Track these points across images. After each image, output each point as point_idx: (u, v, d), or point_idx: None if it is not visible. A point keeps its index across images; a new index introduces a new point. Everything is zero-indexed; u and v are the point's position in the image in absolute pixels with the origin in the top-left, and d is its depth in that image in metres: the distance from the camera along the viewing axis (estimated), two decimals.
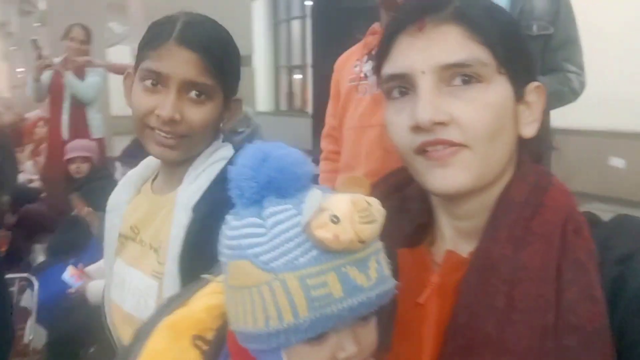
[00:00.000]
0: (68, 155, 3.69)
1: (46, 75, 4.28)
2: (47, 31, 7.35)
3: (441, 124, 0.65)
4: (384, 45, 0.71)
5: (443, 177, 0.67)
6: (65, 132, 4.16)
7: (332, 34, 2.63)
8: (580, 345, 0.59)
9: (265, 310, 0.56)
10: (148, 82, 0.98)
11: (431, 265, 0.74)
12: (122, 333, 1.07)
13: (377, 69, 0.74)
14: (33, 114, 6.38)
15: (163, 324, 0.68)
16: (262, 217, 0.58)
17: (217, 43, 1.00)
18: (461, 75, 0.66)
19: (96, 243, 3.09)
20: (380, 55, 0.72)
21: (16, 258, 3.77)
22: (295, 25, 11.51)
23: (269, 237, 0.57)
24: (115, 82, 4.39)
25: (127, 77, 1.05)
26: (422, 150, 0.67)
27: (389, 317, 0.69)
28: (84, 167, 3.68)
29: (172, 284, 0.96)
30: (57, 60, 4.27)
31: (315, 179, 0.62)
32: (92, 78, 4.25)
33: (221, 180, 0.90)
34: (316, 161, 2.05)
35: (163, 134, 0.98)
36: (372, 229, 0.56)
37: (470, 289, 0.66)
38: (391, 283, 0.61)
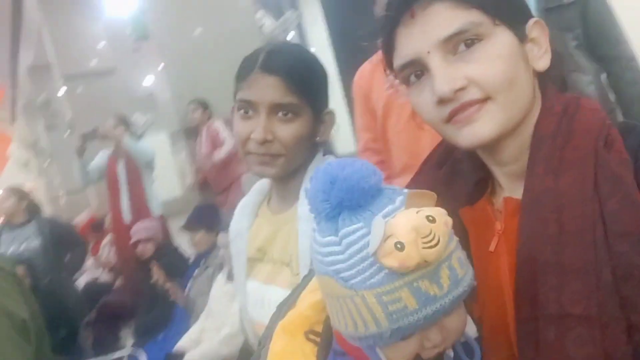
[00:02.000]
0: (133, 239, 3.76)
1: (97, 160, 4.35)
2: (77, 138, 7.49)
3: (461, 89, 0.70)
4: (387, 42, 0.77)
5: (471, 132, 0.71)
6: (126, 216, 4.20)
7: None
8: (633, 249, 0.62)
9: (353, 319, 0.62)
10: (242, 111, 1.08)
11: (495, 214, 0.78)
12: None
13: (388, 65, 0.79)
14: (80, 218, 6.48)
15: (278, 328, 0.76)
16: (339, 237, 0.62)
17: (298, 65, 1.07)
18: (462, 41, 0.71)
19: (179, 315, 3.14)
20: (387, 52, 0.78)
21: (104, 349, 3.75)
22: None
23: (345, 256, 0.61)
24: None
25: (232, 111, 1.13)
26: (451, 118, 0.72)
27: None
28: (150, 247, 3.74)
29: None
30: (104, 152, 4.37)
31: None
32: (143, 144, 4.40)
33: None
34: None
35: (260, 154, 1.06)
36: (436, 251, 0.59)
37: (525, 226, 0.70)
38: (465, 283, 0.63)
